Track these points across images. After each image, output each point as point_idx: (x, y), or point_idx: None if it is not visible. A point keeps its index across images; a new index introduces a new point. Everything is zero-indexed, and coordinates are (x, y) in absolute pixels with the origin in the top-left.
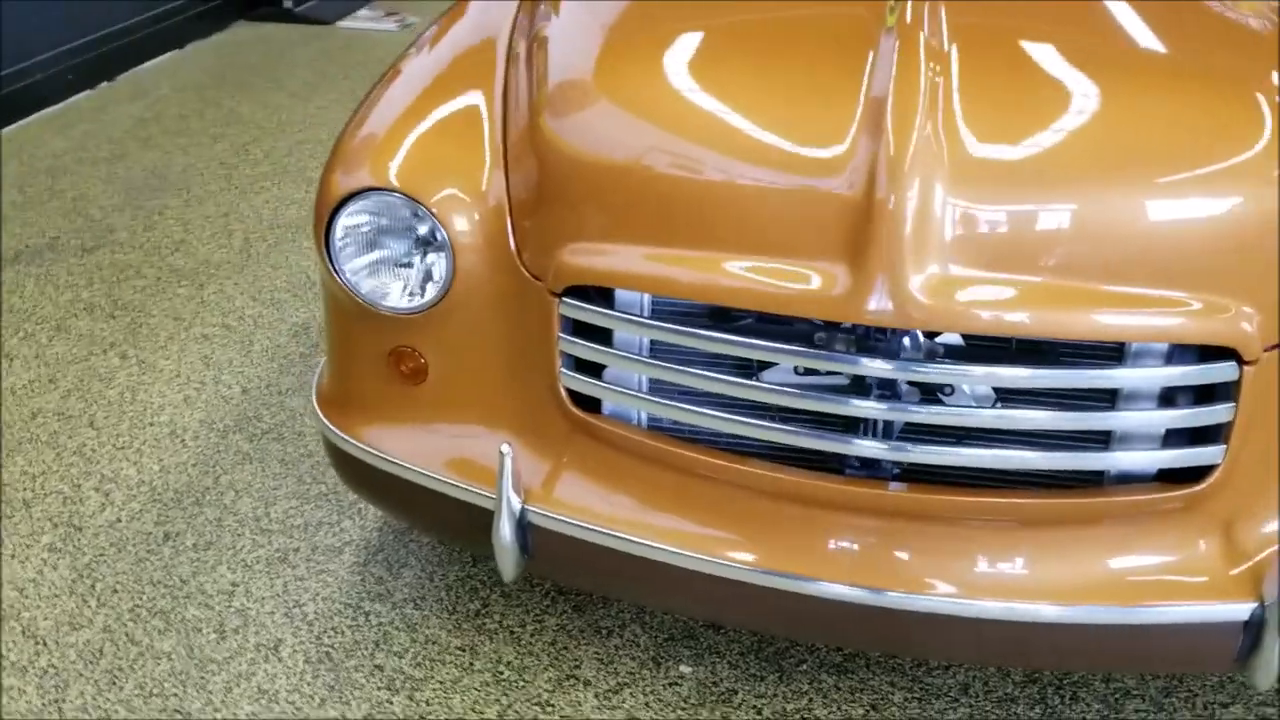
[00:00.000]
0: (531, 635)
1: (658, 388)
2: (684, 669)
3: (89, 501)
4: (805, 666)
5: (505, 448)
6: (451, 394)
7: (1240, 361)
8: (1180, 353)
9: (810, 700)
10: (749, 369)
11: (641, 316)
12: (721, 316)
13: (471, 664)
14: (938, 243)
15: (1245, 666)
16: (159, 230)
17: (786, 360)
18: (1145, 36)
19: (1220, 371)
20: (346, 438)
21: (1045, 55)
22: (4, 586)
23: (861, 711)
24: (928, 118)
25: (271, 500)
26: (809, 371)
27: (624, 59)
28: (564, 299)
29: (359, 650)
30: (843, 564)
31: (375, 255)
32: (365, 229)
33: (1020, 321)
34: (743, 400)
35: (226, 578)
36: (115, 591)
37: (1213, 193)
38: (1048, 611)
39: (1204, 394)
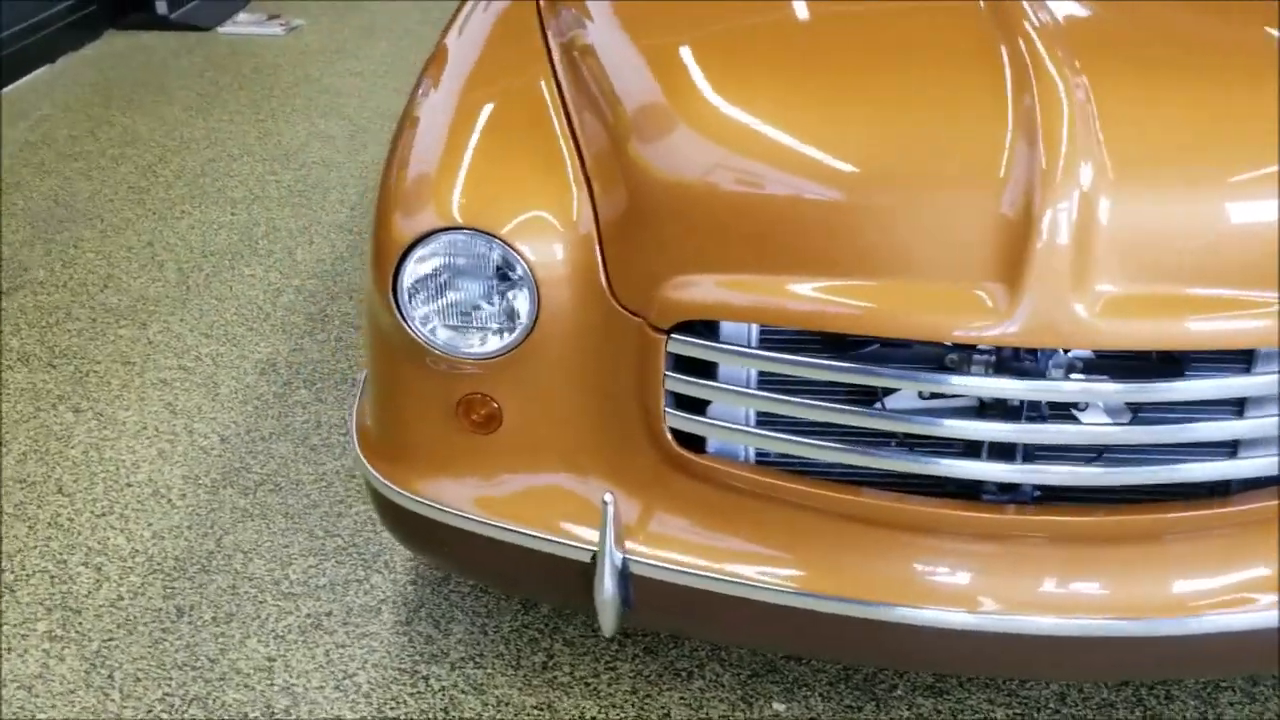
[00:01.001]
0: (609, 685)
1: (767, 421)
2: (777, 707)
3: (80, 579)
4: (899, 691)
5: (608, 496)
6: (528, 442)
7: None
8: None
9: None
10: (867, 397)
11: (756, 349)
12: (836, 344)
13: None
14: (1095, 258)
15: None
16: (80, 265)
17: (916, 386)
18: (1251, 29)
19: None
20: (409, 494)
21: (1164, 51)
22: (5, 686)
23: None
24: (1078, 127)
25: (286, 560)
26: (933, 396)
27: (719, 71)
28: (673, 335)
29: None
30: (977, 593)
31: (449, 300)
32: (438, 274)
33: (1178, 334)
34: (858, 430)
35: (260, 652)
36: (138, 680)
37: None
38: (1177, 625)
39: None
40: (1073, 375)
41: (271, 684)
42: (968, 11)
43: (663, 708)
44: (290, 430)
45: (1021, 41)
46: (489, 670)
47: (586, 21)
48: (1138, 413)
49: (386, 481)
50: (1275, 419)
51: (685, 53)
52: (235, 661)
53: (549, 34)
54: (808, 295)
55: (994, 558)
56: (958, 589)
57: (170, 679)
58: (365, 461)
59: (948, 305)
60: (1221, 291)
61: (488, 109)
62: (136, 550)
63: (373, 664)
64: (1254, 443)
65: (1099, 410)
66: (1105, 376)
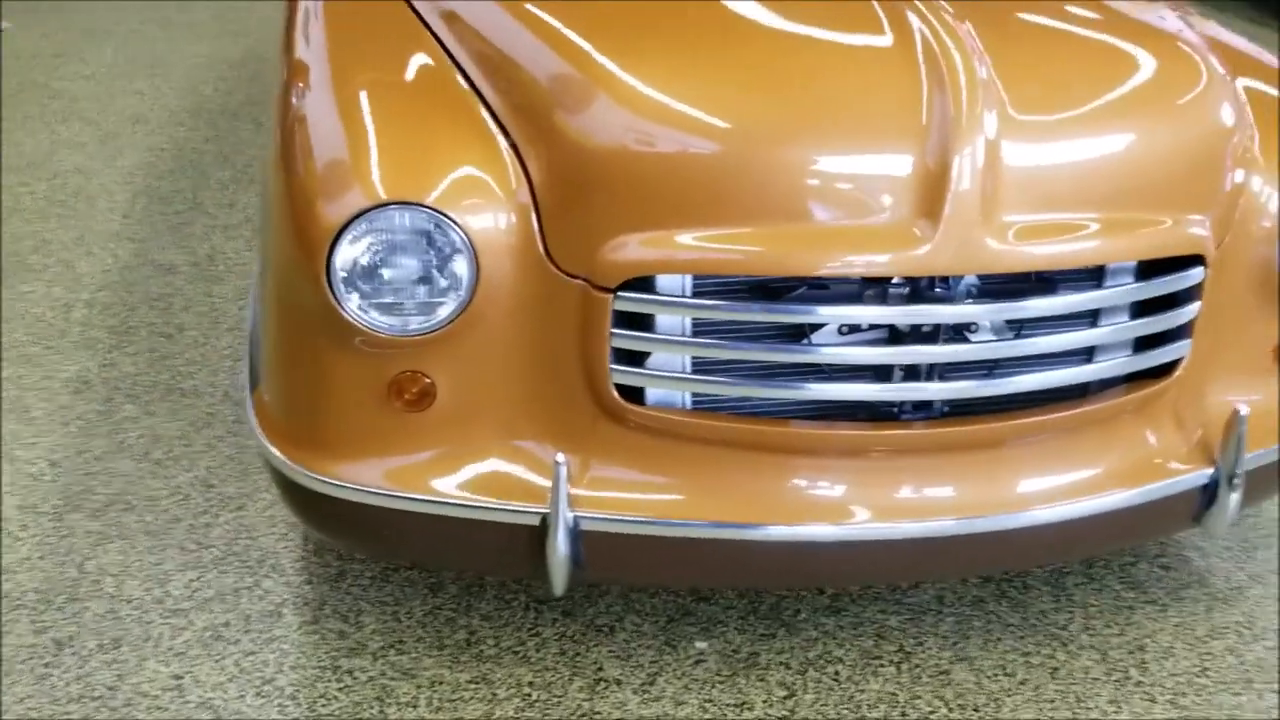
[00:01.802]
0: (536, 651)
1: (702, 368)
2: (700, 645)
3: None
4: (803, 615)
5: (560, 457)
6: (462, 415)
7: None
8: (1148, 266)
9: (824, 645)
10: (795, 337)
11: (699, 299)
12: (762, 291)
13: (494, 695)
14: (999, 194)
15: (1201, 521)
16: None
17: (855, 316)
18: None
19: (1194, 275)
20: (336, 481)
21: (1027, 20)
22: None
23: (871, 642)
24: (978, 77)
25: (162, 578)
26: (851, 330)
27: (637, 34)
28: (619, 293)
29: (364, 711)
30: (915, 502)
31: (384, 279)
32: (371, 253)
33: (1062, 254)
34: (792, 366)
35: (163, 672)
36: None
37: (1178, 125)
38: (1060, 511)
39: (1162, 301)
40: (968, 301)
41: (185, 701)
42: None
43: (594, 663)
44: (126, 447)
45: (914, 6)
46: (413, 655)
47: None
48: (1019, 331)
49: (307, 470)
50: (1126, 325)
51: (595, 18)
52: (138, 685)
53: (418, 8)
54: (746, 245)
55: (908, 470)
56: (894, 501)
57: (69, 714)
58: (277, 451)
59: (877, 242)
60: (1093, 215)
61: (382, 87)
62: None
63: (290, 666)
64: (1107, 348)
65: (986, 331)
66: (996, 300)
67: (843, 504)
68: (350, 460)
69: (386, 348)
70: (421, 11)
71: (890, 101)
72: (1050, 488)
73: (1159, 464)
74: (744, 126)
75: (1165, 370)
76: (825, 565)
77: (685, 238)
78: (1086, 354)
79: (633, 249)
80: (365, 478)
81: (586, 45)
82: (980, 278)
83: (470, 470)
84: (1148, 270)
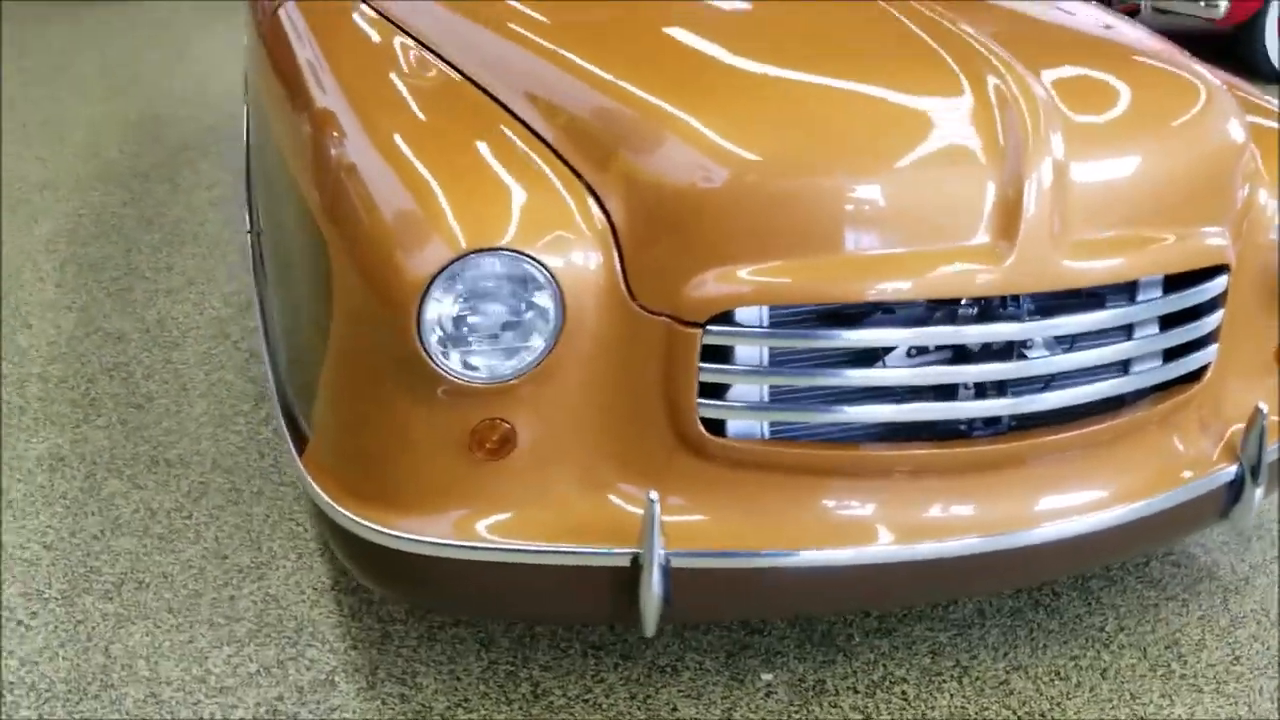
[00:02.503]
0: (605, 696)
1: (781, 396)
2: (766, 677)
3: None
4: (856, 639)
5: (653, 494)
6: (542, 460)
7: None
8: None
9: (885, 666)
10: (864, 361)
11: (785, 329)
12: (836, 316)
13: None
14: (1066, 213)
15: (1229, 515)
16: None
17: (941, 337)
18: (1099, 39)
19: (1220, 284)
20: (415, 537)
21: (1053, 48)
22: None
23: (929, 660)
24: (1039, 99)
25: (199, 656)
26: (920, 351)
27: (709, 74)
28: (708, 328)
29: None
30: (997, 516)
31: (472, 327)
32: (459, 304)
33: (1119, 267)
34: (864, 390)
35: None
36: None
37: (1205, 143)
38: (1108, 517)
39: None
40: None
41: None
42: (883, 14)
43: (667, 703)
44: (123, 524)
45: (954, 40)
46: (481, 712)
47: (498, 27)
48: (1071, 345)
49: (383, 527)
50: (1165, 334)
51: (658, 56)
52: None
53: (442, 53)
54: (832, 273)
55: (982, 486)
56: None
57: None
58: (348, 510)
59: (959, 264)
60: (1140, 229)
61: (430, 132)
62: (12, 682)
63: None
64: (1142, 359)
65: (1039, 347)
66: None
67: (928, 521)
68: (430, 513)
69: (470, 396)
70: (446, 54)
71: (964, 127)
72: (1099, 496)
73: (1189, 465)
74: (826, 159)
75: (1193, 376)
76: (916, 582)
77: (772, 269)
78: (1123, 366)
79: (721, 283)
80: (447, 530)
81: (658, 86)
82: (1034, 296)
83: (551, 515)
84: (1172, 282)
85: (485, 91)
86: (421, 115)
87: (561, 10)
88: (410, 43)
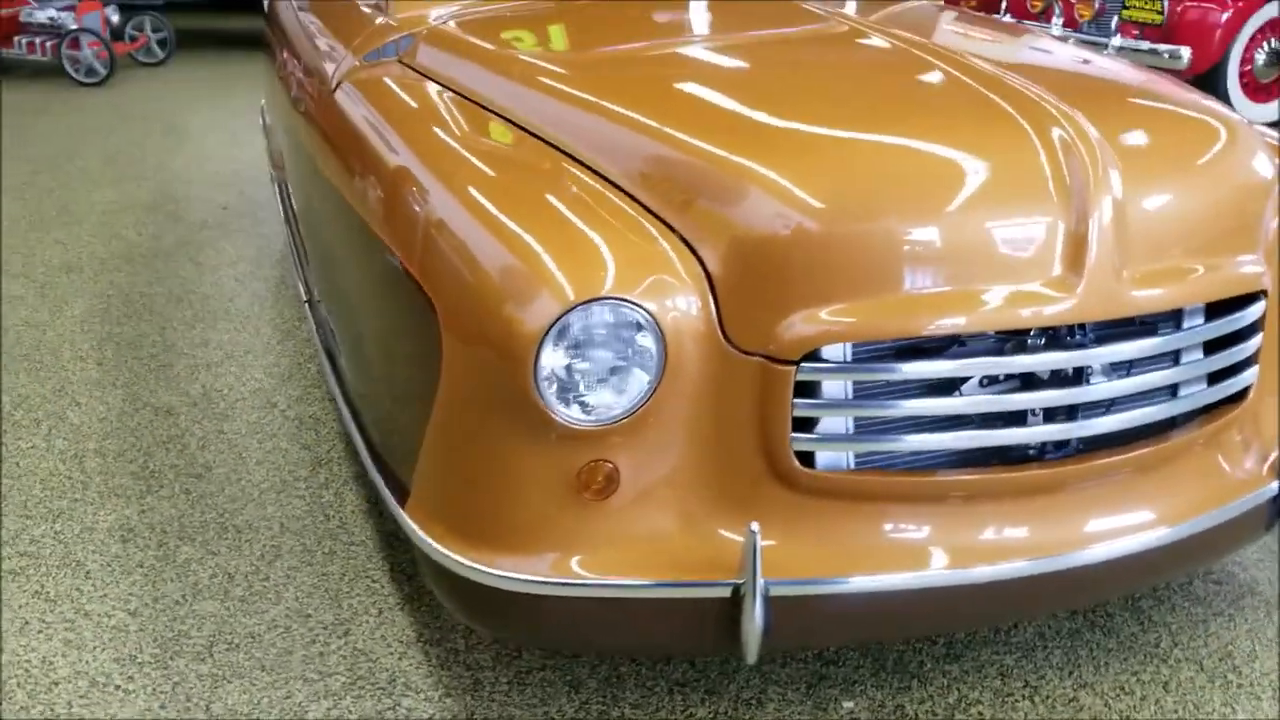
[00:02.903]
0: None
1: (865, 427)
2: (847, 705)
3: None
4: (928, 665)
5: (755, 526)
6: (643, 496)
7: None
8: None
9: (958, 690)
10: (940, 391)
11: (875, 362)
12: (916, 350)
13: None
14: (1126, 246)
15: (1272, 529)
16: None
17: (1031, 365)
18: (1125, 83)
19: (1259, 308)
20: (526, 578)
21: (1090, 93)
22: None
23: (999, 682)
24: (1094, 140)
25: (298, 710)
26: (991, 380)
27: (788, 120)
28: (802, 365)
29: None
30: (1063, 536)
31: (582, 373)
32: (571, 353)
33: (1175, 295)
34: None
35: None
36: None
37: (1242, 176)
38: (1165, 534)
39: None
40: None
41: None
42: (921, 63)
43: None
44: (203, 589)
45: (1004, 87)
46: None
47: (554, 81)
48: (1128, 370)
49: (493, 569)
50: (1213, 358)
51: (726, 106)
52: None
53: (502, 112)
54: (919, 309)
55: (1048, 508)
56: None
57: None
58: (458, 555)
59: (1035, 297)
60: (1189, 259)
61: (513, 188)
62: None
63: None
64: (1189, 381)
65: (1098, 374)
66: (1116, 342)
67: (1002, 543)
68: (539, 553)
69: (578, 439)
70: (515, 116)
71: (1033, 170)
72: (1153, 516)
73: (1234, 483)
74: (903, 205)
75: (1236, 398)
76: (1000, 601)
77: (859, 308)
78: (1172, 390)
79: (810, 324)
80: (556, 569)
81: (739, 141)
82: (1096, 325)
83: (651, 550)
84: (1213, 308)
85: (559, 149)
86: (504, 174)
87: (624, 66)
88: (477, 106)
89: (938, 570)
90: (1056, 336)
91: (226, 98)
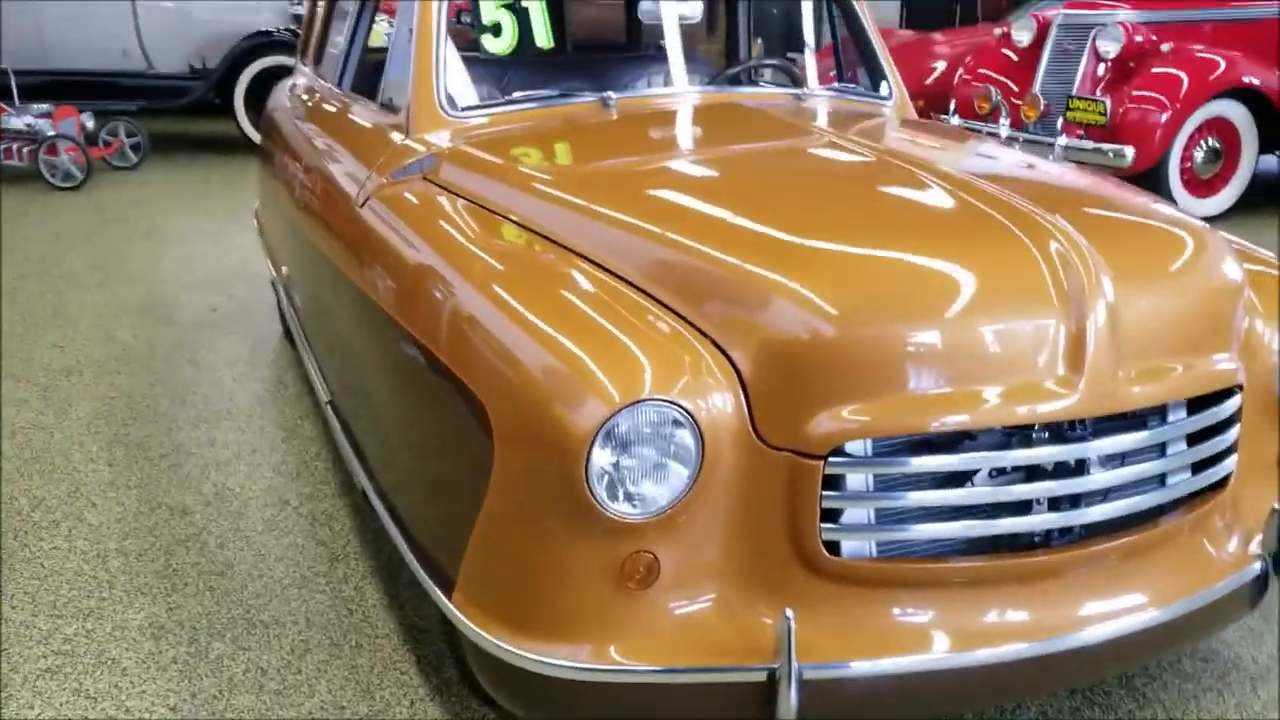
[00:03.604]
0: None
1: (887, 517)
2: None
3: None
4: None
5: (789, 612)
6: (682, 585)
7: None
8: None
9: None
10: (953, 482)
11: (898, 456)
12: (927, 444)
13: None
14: (1119, 345)
15: (1256, 606)
16: None
17: (1040, 459)
18: (1099, 193)
19: (1235, 402)
20: (576, 664)
21: (1071, 204)
22: None
23: None
24: (1085, 249)
25: None
26: (999, 472)
27: (804, 236)
28: (830, 459)
29: None
30: (1064, 618)
31: (628, 469)
32: (618, 451)
33: (1163, 391)
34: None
35: None
36: None
37: (1217, 280)
38: (1156, 615)
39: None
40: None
41: None
42: (911, 177)
43: None
44: (238, 683)
45: (999, 203)
46: None
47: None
48: (1122, 461)
49: (543, 657)
50: (1197, 449)
51: (751, 215)
52: None
53: (531, 225)
54: (936, 407)
55: (1049, 591)
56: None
57: None
58: (508, 644)
59: (1041, 395)
60: (1172, 359)
61: (552, 295)
62: None
63: None
64: (1174, 471)
65: (1096, 465)
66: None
67: (1009, 626)
68: (582, 641)
69: (623, 532)
70: (533, 223)
71: (1033, 279)
72: (1148, 597)
73: (1219, 565)
74: (918, 312)
75: (1218, 485)
76: (1006, 681)
77: (885, 406)
78: (1160, 480)
79: (839, 421)
80: (598, 656)
81: (764, 252)
82: (1094, 420)
83: (688, 637)
84: (1194, 403)
85: (589, 259)
86: (541, 282)
87: (644, 179)
88: (506, 219)
89: (955, 653)
90: (1059, 430)
91: (203, 201)
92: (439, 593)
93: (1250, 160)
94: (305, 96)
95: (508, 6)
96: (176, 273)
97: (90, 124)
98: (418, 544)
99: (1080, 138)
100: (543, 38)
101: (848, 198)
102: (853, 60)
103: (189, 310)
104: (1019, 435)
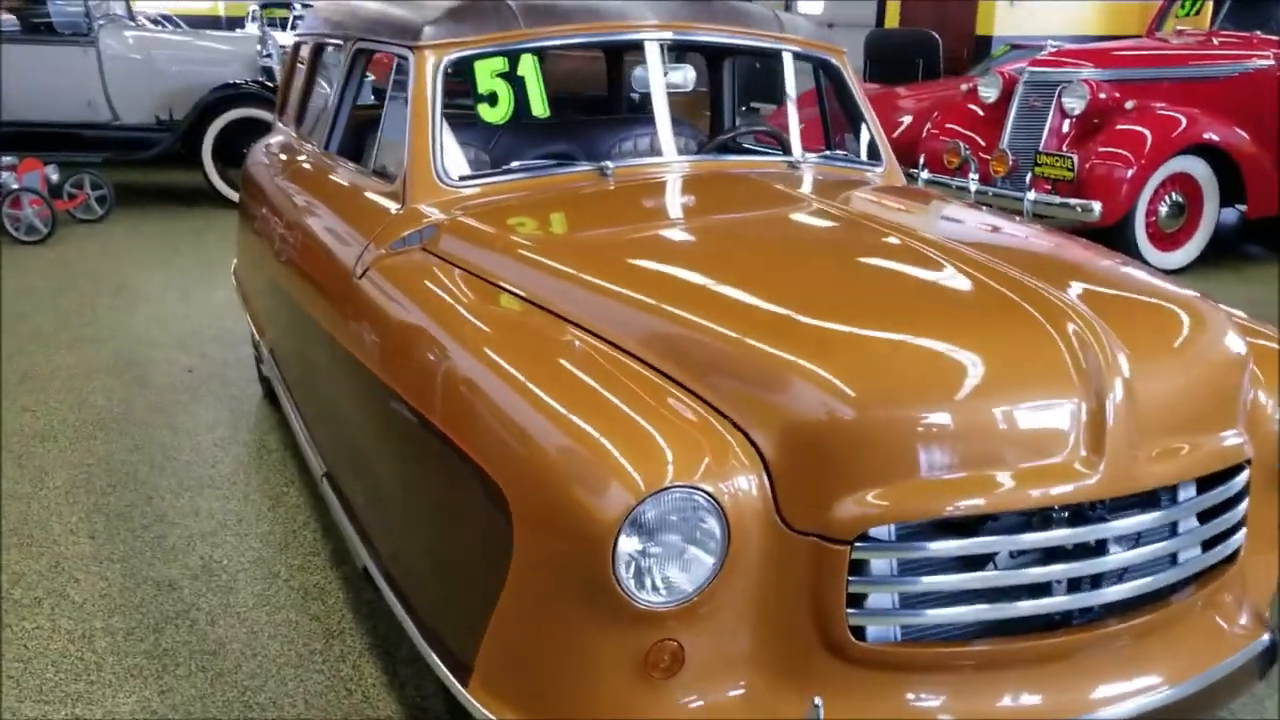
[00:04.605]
0: None
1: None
2: None
3: None
4: None
5: (818, 700)
6: (706, 672)
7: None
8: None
9: None
10: (973, 564)
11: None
12: (949, 526)
13: None
14: (1137, 424)
15: (1265, 677)
16: None
17: (1063, 540)
18: (1102, 269)
19: (1244, 477)
20: None
21: (1074, 278)
22: None
23: None
24: (1099, 328)
25: None
26: (1019, 553)
27: (823, 320)
28: (856, 544)
29: None
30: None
31: (653, 557)
32: (644, 538)
33: (1177, 470)
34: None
35: None
36: None
37: (1223, 358)
38: (1175, 691)
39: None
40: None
41: None
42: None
43: None
44: None
45: (1014, 282)
46: None
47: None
48: (1137, 541)
49: None
50: (1209, 525)
51: (771, 298)
52: None
53: (536, 293)
54: (958, 490)
55: (1077, 670)
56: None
57: None
58: None
59: (1063, 476)
60: (1183, 437)
61: (560, 371)
62: None
63: None
64: (1186, 548)
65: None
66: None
67: (1029, 709)
68: None
69: (647, 620)
70: (539, 298)
71: (1053, 361)
72: (1161, 676)
73: (1230, 639)
74: (940, 396)
75: (1228, 560)
76: None
77: (912, 489)
78: (1171, 558)
79: (867, 504)
80: None
81: (784, 336)
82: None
83: None
84: (1203, 480)
85: (601, 337)
86: (555, 361)
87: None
88: (511, 293)
89: None
90: (1079, 511)
91: (171, 254)
92: (456, 682)
93: (1212, 214)
94: (289, 157)
95: (503, 76)
96: (149, 331)
97: (55, 176)
98: (428, 627)
99: (1048, 192)
100: (539, 107)
101: (864, 276)
102: (840, 125)
103: (164, 371)
104: (1039, 515)
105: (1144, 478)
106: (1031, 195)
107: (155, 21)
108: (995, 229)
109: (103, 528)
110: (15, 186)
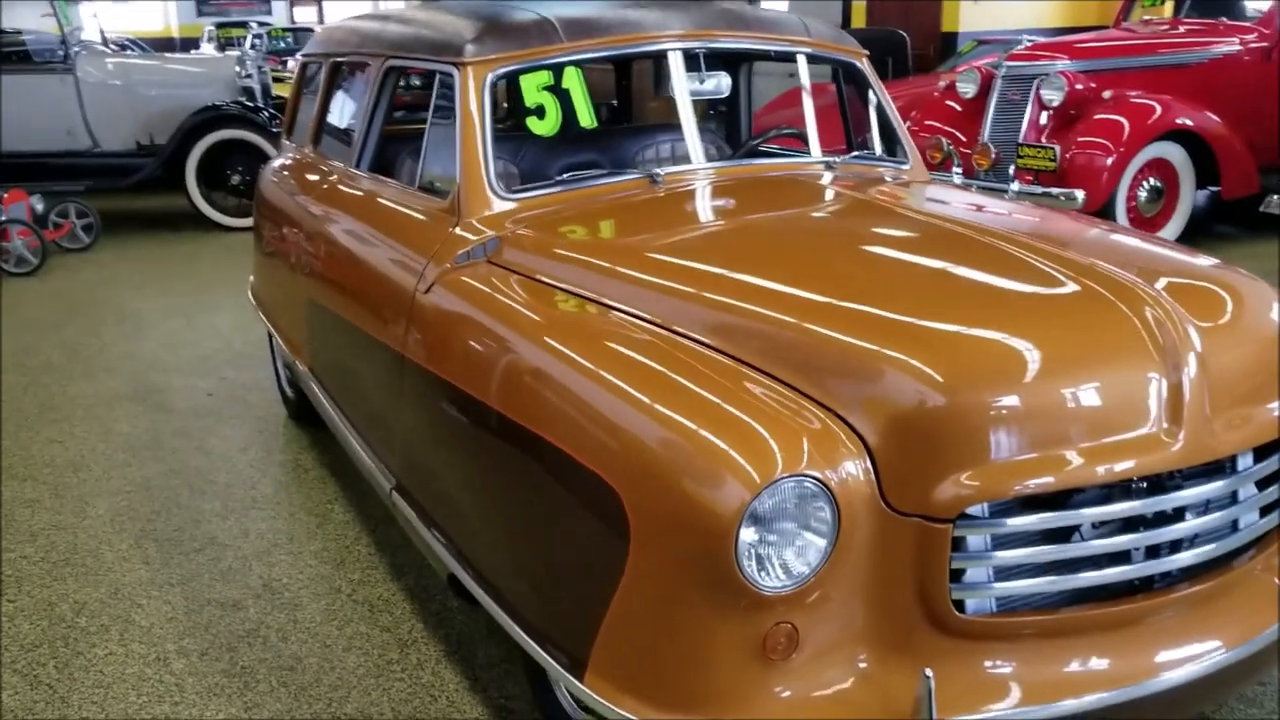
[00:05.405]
0: None
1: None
2: None
3: None
4: None
5: (928, 671)
6: (820, 652)
7: None
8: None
9: None
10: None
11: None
12: (1038, 501)
13: None
14: (1211, 394)
15: None
16: None
17: (1149, 508)
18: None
19: None
20: None
21: (1136, 262)
22: None
23: None
24: (1168, 303)
25: None
26: (1101, 525)
27: (916, 314)
28: (958, 522)
29: None
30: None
31: (771, 544)
32: (763, 527)
33: (1247, 437)
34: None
35: None
36: None
37: (1269, 329)
38: (1234, 653)
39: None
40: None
41: None
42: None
43: None
44: None
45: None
46: None
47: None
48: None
49: None
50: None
51: (861, 296)
52: None
53: (616, 297)
54: (1051, 467)
55: (1160, 630)
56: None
57: None
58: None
59: (1148, 447)
60: (1249, 406)
61: (659, 371)
62: None
63: None
64: (1245, 513)
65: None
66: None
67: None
68: (725, 713)
69: (765, 605)
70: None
71: (1135, 340)
72: (1221, 640)
73: None
74: (1031, 378)
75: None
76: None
77: (1008, 468)
78: (1233, 524)
79: (966, 485)
80: None
81: (879, 330)
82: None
83: (829, 703)
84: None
85: (689, 336)
86: (653, 360)
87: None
88: (591, 300)
89: (1074, 698)
90: (1158, 481)
91: (166, 279)
92: (571, 676)
93: (1189, 197)
94: (315, 177)
95: (549, 89)
96: (160, 357)
97: (39, 206)
98: (534, 626)
99: (1031, 183)
100: (585, 118)
101: (942, 268)
102: (862, 125)
103: (184, 396)
104: (1119, 487)
105: (1219, 447)
106: (1015, 186)
107: (123, 46)
108: (1044, 219)
109: (155, 553)
110: (2, 219)
